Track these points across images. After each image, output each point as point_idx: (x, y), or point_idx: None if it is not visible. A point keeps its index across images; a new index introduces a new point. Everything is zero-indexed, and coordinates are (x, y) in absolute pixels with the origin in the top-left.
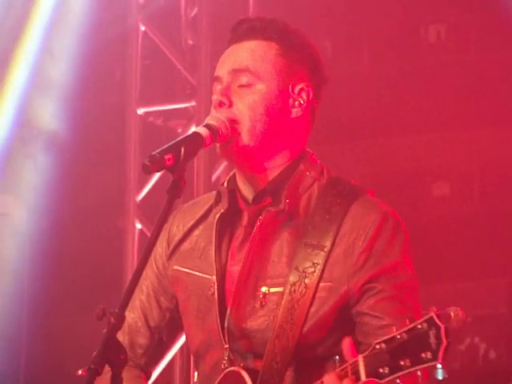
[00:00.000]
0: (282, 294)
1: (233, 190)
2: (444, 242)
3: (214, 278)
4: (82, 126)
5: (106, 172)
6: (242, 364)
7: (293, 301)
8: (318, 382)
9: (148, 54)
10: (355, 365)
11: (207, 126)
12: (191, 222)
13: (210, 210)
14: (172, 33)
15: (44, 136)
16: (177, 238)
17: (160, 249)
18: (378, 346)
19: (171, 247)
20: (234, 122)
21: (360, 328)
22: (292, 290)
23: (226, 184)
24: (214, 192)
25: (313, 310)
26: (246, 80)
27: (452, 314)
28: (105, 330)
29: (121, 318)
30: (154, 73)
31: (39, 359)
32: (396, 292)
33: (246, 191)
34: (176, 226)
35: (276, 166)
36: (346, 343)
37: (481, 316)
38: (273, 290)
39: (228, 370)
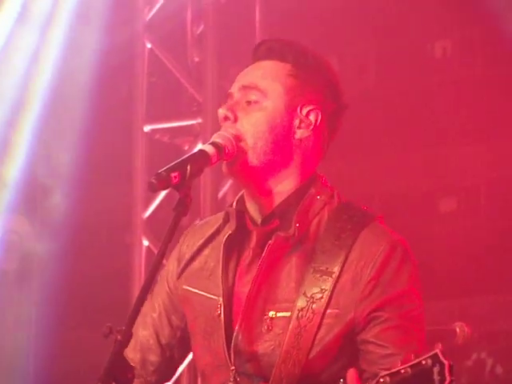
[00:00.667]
0: (289, 319)
1: (241, 211)
2: (451, 258)
3: (221, 299)
4: (90, 143)
5: (113, 189)
6: None
7: (300, 326)
8: None
9: (154, 72)
10: None
11: (213, 144)
12: (201, 241)
13: (218, 230)
14: (178, 50)
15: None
16: (187, 257)
17: (171, 267)
18: (382, 380)
19: (181, 266)
20: (238, 138)
21: (364, 356)
22: (299, 315)
23: (234, 204)
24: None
25: (319, 336)
26: (253, 97)
27: (458, 329)
28: (112, 348)
29: (127, 336)
30: (160, 90)
31: (47, 377)
32: (401, 321)
33: (254, 213)
34: (186, 245)
35: (284, 189)
36: (351, 374)
37: (488, 331)
38: (280, 314)
39: None
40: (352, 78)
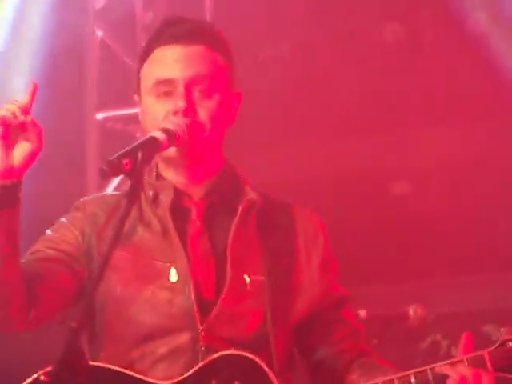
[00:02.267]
0: (263, 282)
1: (178, 188)
2: (403, 241)
3: (170, 264)
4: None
5: (66, 177)
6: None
7: (273, 289)
8: (428, 367)
9: (105, 59)
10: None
11: (164, 130)
12: (117, 214)
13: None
14: (128, 38)
15: None
16: (100, 222)
17: (86, 229)
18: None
19: (97, 233)
20: (194, 128)
21: (332, 332)
22: (272, 278)
23: (154, 178)
24: (115, 192)
25: (294, 299)
26: (204, 88)
27: (412, 312)
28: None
29: (82, 323)
30: (111, 78)
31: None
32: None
33: (188, 189)
34: (97, 216)
35: (214, 169)
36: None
37: (442, 313)
38: (255, 277)
39: (223, 353)
40: (304, 63)
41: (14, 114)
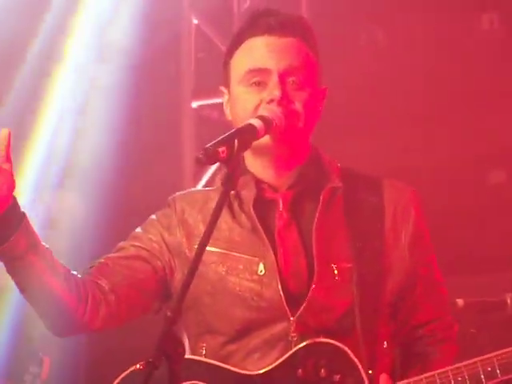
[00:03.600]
0: (352, 269)
1: (260, 180)
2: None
3: (259, 259)
4: (138, 121)
5: (163, 165)
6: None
7: (363, 276)
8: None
9: (201, 48)
10: None
11: (261, 118)
12: (197, 210)
13: (209, 201)
14: (225, 25)
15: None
16: (192, 223)
17: (176, 230)
18: None
19: (187, 230)
20: (289, 117)
21: (414, 311)
22: (360, 266)
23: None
24: (206, 188)
25: (383, 285)
26: (298, 80)
27: (509, 300)
28: (162, 324)
29: (177, 311)
30: (208, 66)
31: (98, 354)
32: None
33: (274, 180)
34: (186, 213)
35: (300, 159)
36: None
37: None
38: (343, 265)
39: (311, 341)
40: (400, 51)
41: None
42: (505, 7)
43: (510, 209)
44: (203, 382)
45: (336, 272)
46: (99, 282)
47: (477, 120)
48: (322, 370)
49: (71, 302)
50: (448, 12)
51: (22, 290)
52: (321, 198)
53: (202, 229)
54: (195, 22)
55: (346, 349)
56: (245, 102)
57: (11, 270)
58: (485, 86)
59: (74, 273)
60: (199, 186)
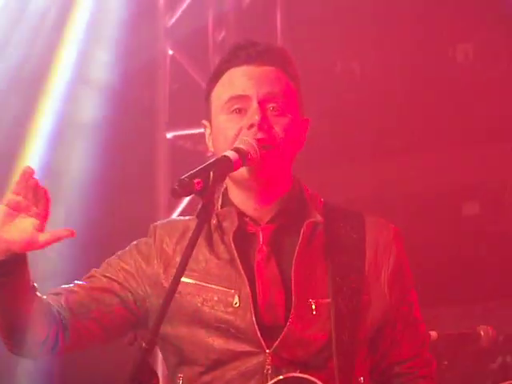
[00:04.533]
0: (329, 305)
1: (241, 213)
2: (473, 261)
3: (235, 291)
4: (112, 150)
5: (136, 196)
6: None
7: (341, 312)
8: None
9: (176, 78)
10: None
11: (236, 150)
12: (175, 240)
13: (186, 232)
14: (200, 56)
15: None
16: (168, 251)
17: (153, 260)
18: None
19: (164, 260)
20: (267, 145)
21: (393, 349)
22: (339, 301)
23: (218, 207)
24: (187, 217)
25: (361, 320)
26: (278, 106)
27: (482, 332)
28: (137, 355)
29: (152, 343)
30: (182, 97)
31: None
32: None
33: (255, 213)
34: (165, 243)
35: (282, 190)
36: None
37: None
38: (321, 300)
39: (287, 375)
40: (374, 82)
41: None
42: (479, 38)
43: (484, 240)
44: None
45: (314, 307)
46: (63, 311)
47: (450, 152)
48: None
49: (39, 328)
50: (423, 43)
51: None
52: (301, 232)
53: (178, 260)
54: (170, 52)
55: None
56: (225, 131)
57: None
58: (459, 119)
59: (44, 297)
60: (174, 216)
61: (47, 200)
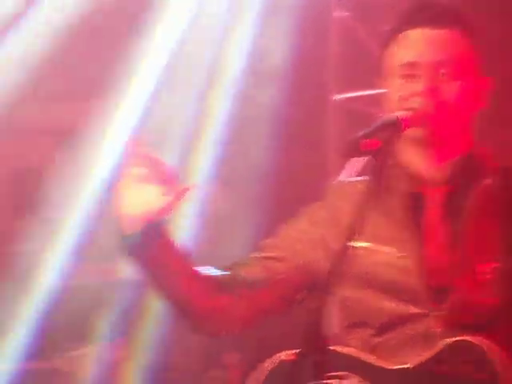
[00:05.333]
0: (498, 269)
1: (416, 173)
2: None
3: (407, 254)
4: (284, 114)
5: (307, 159)
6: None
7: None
8: None
9: (345, 40)
10: None
11: (408, 110)
12: (354, 202)
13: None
14: (369, 17)
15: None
16: (341, 216)
17: (329, 223)
18: None
19: (336, 223)
20: (438, 108)
21: None
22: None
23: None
24: (358, 178)
25: None
26: (449, 71)
27: None
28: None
29: (322, 305)
30: (352, 58)
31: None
32: None
33: (430, 174)
34: (335, 206)
35: (459, 152)
36: None
37: None
38: (491, 264)
39: (455, 339)
40: None
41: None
42: None
43: None
44: (354, 373)
45: (484, 271)
46: (240, 282)
47: None
48: (469, 369)
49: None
50: None
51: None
52: (475, 195)
53: (348, 221)
54: (339, 14)
55: (489, 349)
56: (397, 93)
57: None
58: None
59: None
60: (342, 179)
61: (162, 164)
